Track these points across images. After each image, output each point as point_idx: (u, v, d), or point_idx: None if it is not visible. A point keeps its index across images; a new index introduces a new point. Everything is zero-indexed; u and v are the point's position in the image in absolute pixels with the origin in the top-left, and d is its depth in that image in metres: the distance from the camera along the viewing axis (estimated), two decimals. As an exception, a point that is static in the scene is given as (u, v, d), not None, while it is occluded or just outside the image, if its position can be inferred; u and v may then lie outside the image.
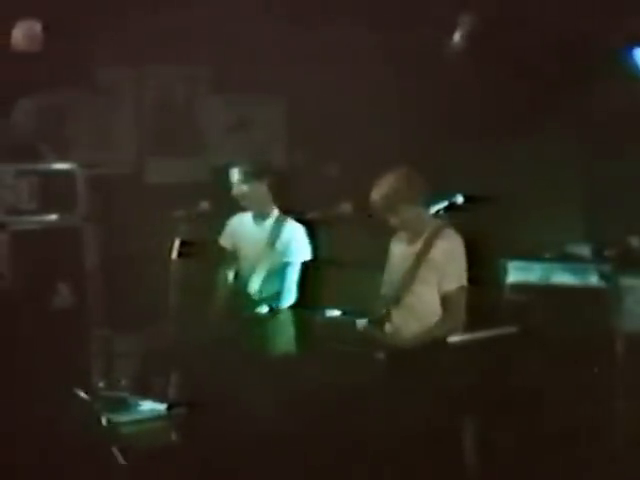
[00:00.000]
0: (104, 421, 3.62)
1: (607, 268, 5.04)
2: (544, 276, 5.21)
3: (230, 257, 4.85)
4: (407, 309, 4.07)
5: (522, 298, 5.10)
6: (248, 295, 4.71)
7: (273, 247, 4.69)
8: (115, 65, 5.77)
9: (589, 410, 4.21)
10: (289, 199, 4.94)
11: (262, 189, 4.71)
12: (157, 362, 4.19)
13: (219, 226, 4.90)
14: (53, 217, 5.18)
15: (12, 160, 5.19)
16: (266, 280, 4.70)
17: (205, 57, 5.74)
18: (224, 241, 4.87)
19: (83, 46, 5.21)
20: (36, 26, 5.13)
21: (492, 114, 5.33)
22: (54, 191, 5.21)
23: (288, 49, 5.25)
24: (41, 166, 5.27)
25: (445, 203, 4.06)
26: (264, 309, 4.62)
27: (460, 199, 4.03)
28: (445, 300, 3.99)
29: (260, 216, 4.77)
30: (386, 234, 4.28)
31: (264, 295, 4.69)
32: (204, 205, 4.51)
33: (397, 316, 4.11)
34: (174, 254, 4.21)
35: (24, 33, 5.12)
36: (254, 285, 4.70)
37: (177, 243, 4.22)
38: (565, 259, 5.25)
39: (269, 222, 4.75)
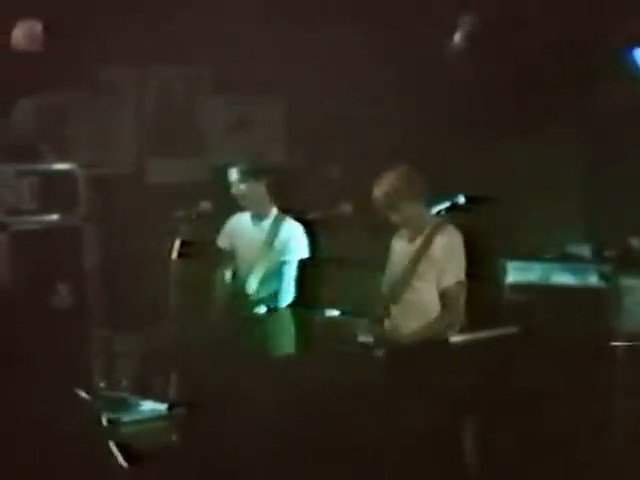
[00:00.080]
0: (104, 421, 3.62)
1: (607, 268, 5.04)
2: (544, 276, 5.21)
3: (228, 257, 4.85)
4: (406, 306, 4.08)
5: (522, 298, 5.10)
6: (246, 295, 4.71)
7: (271, 246, 4.70)
8: (115, 65, 5.77)
9: (589, 410, 4.21)
10: (289, 199, 4.95)
11: (260, 189, 4.72)
12: (157, 362, 4.19)
13: (219, 226, 4.90)
14: (54, 217, 5.18)
15: (13, 160, 5.19)
16: (264, 280, 4.70)
17: (205, 57, 5.74)
18: (222, 242, 4.88)
19: (83, 46, 5.21)
20: (37, 26, 5.13)
21: (492, 114, 5.32)
22: (55, 191, 5.21)
23: (288, 49, 5.24)
24: (42, 166, 5.27)
25: (447, 203, 4.07)
26: (262, 309, 4.63)
27: (462, 199, 4.04)
28: (443, 296, 4.01)
29: (258, 216, 4.78)
30: (386, 233, 4.29)
31: (262, 295, 4.70)
32: (204, 205, 4.52)
33: (396, 313, 4.12)
34: (174, 254, 4.22)
35: (25, 33, 5.12)
36: (252, 285, 4.70)
37: (177, 243, 4.23)
38: (565, 259, 5.25)
39: (267, 222, 4.76)
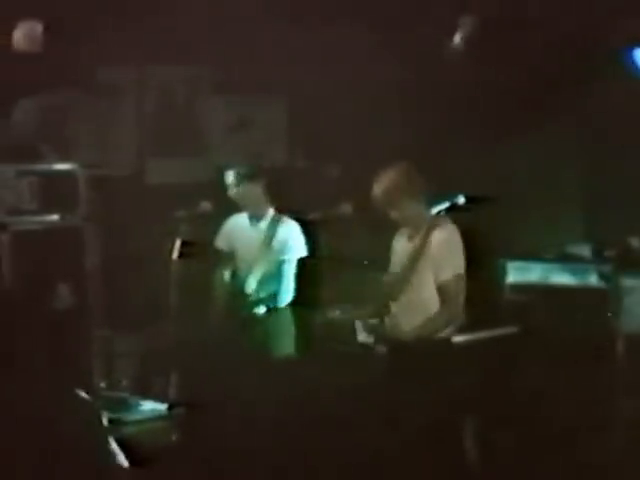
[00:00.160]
0: (105, 421, 3.62)
1: (607, 268, 5.05)
2: (544, 276, 5.21)
3: (226, 258, 4.86)
4: (406, 303, 4.09)
5: (522, 298, 5.10)
6: (246, 295, 4.72)
7: (269, 246, 4.71)
8: (116, 66, 5.78)
9: (589, 410, 4.21)
10: (289, 199, 4.96)
11: (256, 190, 4.73)
12: (158, 362, 4.20)
13: (219, 226, 4.91)
14: (54, 217, 5.17)
15: (13, 160, 5.19)
16: (263, 280, 4.72)
17: (206, 58, 5.74)
18: (220, 243, 4.89)
19: (84, 47, 5.21)
20: (37, 27, 5.13)
21: (492, 114, 5.33)
22: (55, 191, 5.21)
23: (289, 49, 5.24)
24: (42, 166, 5.27)
25: (447, 204, 4.07)
26: (262, 309, 4.64)
27: (462, 199, 4.04)
28: (441, 290, 4.00)
29: (256, 217, 4.79)
30: (386, 233, 4.30)
31: (262, 295, 4.71)
32: (205, 205, 4.53)
33: (397, 310, 4.13)
34: (175, 254, 4.22)
35: (25, 34, 5.12)
36: (251, 285, 4.71)
37: (178, 243, 4.24)
38: (565, 259, 5.26)
39: (265, 222, 4.77)
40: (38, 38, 5.12)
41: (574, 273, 5.15)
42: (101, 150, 5.72)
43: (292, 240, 4.73)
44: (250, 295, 4.72)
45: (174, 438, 3.70)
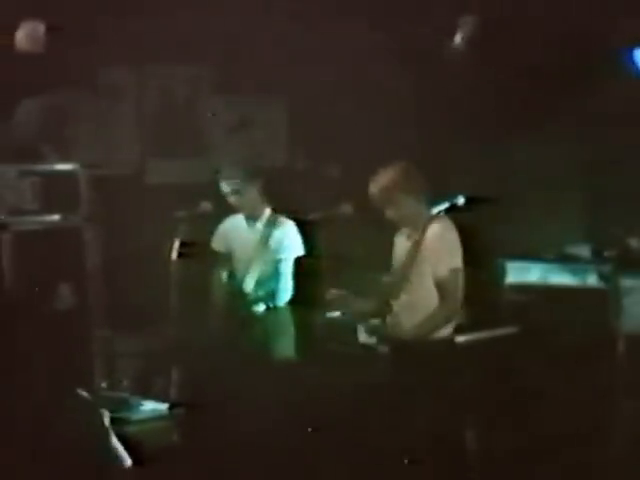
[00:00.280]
0: (106, 421, 3.64)
1: (607, 269, 5.05)
2: (543, 276, 5.22)
3: (224, 259, 4.87)
4: (407, 301, 4.09)
5: (522, 298, 5.10)
6: (244, 295, 4.74)
7: (266, 246, 4.73)
8: (117, 66, 5.78)
9: (589, 410, 4.21)
10: (289, 199, 4.96)
11: (252, 192, 4.74)
12: (158, 362, 4.21)
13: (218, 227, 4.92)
14: (55, 217, 5.17)
15: (14, 161, 5.19)
16: (261, 279, 4.73)
17: (206, 58, 5.75)
18: (216, 244, 4.90)
19: (86, 47, 5.21)
20: (39, 27, 5.14)
21: (492, 114, 5.33)
22: (56, 192, 5.21)
23: (289, 49, 5.25)
24: (43, 167, 5.27)
25: (446, 204, 4.08)
26: (261, 306, 4.65)
27: (461, 200, 4.04)
28: (440, 286, 4.01)
29: (252, 217, 4.80)
30: (386, 233, 4.30)
31: (260, 294, 4.72)
32: (205, 205, 4.54)
33: (397, 309, 4.13)
34: (174, 255, 4.23)
35: (27, 34, 5.12)
36: (249, 284, 4.73)
37: (177, 243, 4.24)
38: (565, 259, 5.26)
39: (261, 222, 4.78)
40: (40, 38, 5.12)
41: (574, 273, 5.15)
42: (102, 150, 5.72)
43: (289, 239, 4.75)
44: (248, 294, 4.73)
45: (175, 438, 3.71)
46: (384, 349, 3.93)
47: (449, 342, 3.96)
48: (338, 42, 5.32)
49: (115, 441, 3.56)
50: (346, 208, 4.95)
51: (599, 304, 4.95)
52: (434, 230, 4.01)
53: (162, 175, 5.94)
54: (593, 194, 5.50)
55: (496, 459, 3.92)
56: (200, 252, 4.41)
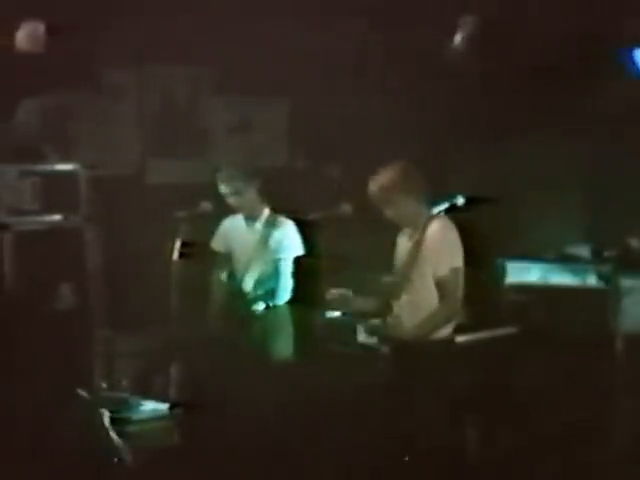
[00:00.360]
0: (106, 421, 3.64)
1: (606, 269, 5.04)
2: (543, 276, 5.21)
3: (223, 259, 4.88)
4: (408, 301, 4.09)
5: (522, 298, 5.10)
6: (244, 294, 4.74)
7: (265, 245, 4.73)
8: (118, 66, 5.79)
9: (589, 409, 4.22)
10: (289, 199, 4.97)
11: (252, 193, 4.75)
12: (158, 362, 4.21)
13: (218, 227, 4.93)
14: (56, 218, 5.18)
15: (15, 161, 5.20)
16: (261, 279, 4.74)
17: (207, 58, 5.75)
18: (216, 244, 4.90)
19: (86, 47, 5.22)
20: (39, 27, 5.14)
21: (492, 114, 5.33)
22: (57, 192, 5.22)
23: (289, 49, 5.25)
24: (44, 167, 5.28)
25: (446, 204, 4.08)
26: (260, 305, 4.66)
27: (461, 200, 4.04)
28: (440, 286, 4.00)
29: (251, 218, 4.81)
30: (386, 233, 4.30)
31: (259, 293, 4.73)
32: (205, 205, 4.55)
33: (398, 309, 4.13)
34: (175, 255, 4.23)
35: (28, 34, 5.13)
36: (249, 284, 4.73)
37: (178, 244, 4.25)
38: (564, 260, 5.25)
39: (260, 222, 4.79)
40: (40, 39, 5.13)
41: (573, 273, 5.14)
42: (103, 151, 5.72)
43: (288, 239, 4.76)
44: (248, 294, 4.74)
45: (175, 438, 3.71)
46: (384, 349, 3.93)
47: (449, 342, 3.96)
48: (338, 42, 5.32)
49: (115, 441, 3.57)
50: (346, 208, 4.94)
51: (599, 304, 4.95)
52: (434, 230, 4.01)
53: (162, 175, 5.94)
54: (593, 194, 5.50)
55: (496, 459, 3.92)
56: (200, 252, 4.42)
